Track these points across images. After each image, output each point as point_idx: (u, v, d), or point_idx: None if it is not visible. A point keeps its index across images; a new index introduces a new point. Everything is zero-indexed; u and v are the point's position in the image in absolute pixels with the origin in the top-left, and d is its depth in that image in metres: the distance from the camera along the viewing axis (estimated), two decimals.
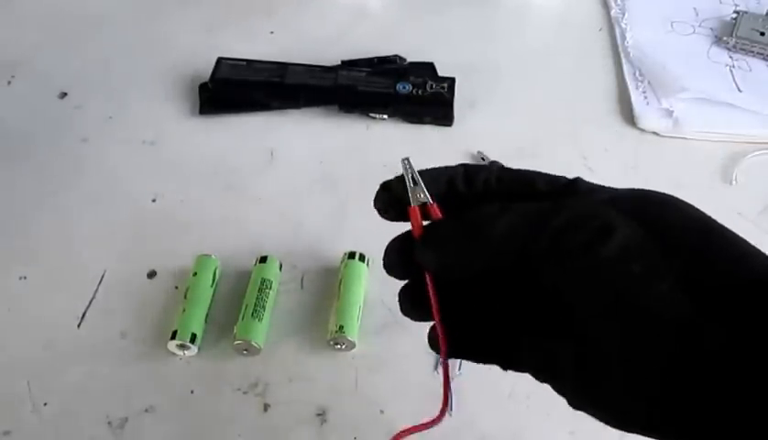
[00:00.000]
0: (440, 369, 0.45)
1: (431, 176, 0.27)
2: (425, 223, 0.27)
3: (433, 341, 0.28)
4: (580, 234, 0.22)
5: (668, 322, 0.21)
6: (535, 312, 0.25)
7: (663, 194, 0.25)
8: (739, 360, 0.20)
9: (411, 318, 0.28)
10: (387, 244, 0.28)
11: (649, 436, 0.22)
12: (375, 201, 0.28)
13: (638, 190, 0.25)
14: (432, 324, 0.28)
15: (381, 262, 0.28)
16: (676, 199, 0.24)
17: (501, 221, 0.24)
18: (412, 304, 0.28)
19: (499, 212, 0.24)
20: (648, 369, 0.21)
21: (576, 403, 0.24)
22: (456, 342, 0.27)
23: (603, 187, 0.26)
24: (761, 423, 0.19)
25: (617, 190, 0.26)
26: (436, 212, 0.27)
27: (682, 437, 0.21)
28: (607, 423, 0.23)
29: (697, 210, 0.24)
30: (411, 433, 0.29)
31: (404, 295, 0.28)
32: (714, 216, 0.24)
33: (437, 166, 0.28)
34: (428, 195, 0.27)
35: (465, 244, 0.25)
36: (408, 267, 0.27)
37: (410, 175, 0.27)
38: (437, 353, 0.28)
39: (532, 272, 0.24)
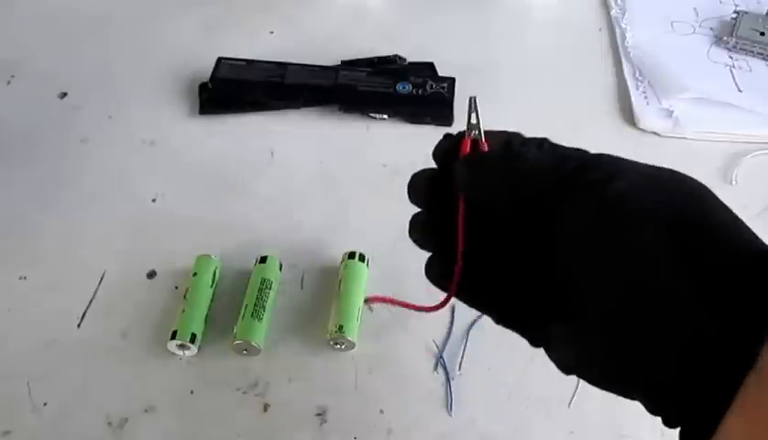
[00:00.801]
0: (440, 370, 0.45)
1: (492, 132, 0.30)
2: None
3: (431, 269, 0.30)
4: (594, 173, 0.25)
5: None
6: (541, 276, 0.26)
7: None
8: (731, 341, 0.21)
9: (419, 244, 0.31)
10: (415, 172, 0.30)
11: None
12: (436, 148, 0.30)
13: None
14: (430, 255, 0.30)
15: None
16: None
17: (534, 154, 0.28)
18: (424, 230, 0.30)
19: (534, 149, 0.28)
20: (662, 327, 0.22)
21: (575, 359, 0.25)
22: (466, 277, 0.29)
23: None
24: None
25: None
26: (485, 149, 0.29)
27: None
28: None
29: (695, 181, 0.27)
30: (405, 307, 0.32)
31: (416, 221, 0.31)
32: None
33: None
34: (483, 134, 0.29)
35: (497, 166, 0.28)
36: (431, 194, 0.30)
37: (473, 112, 0.29)
38: (435, 283, 0.30)
39: (548, 215, 0.25)
